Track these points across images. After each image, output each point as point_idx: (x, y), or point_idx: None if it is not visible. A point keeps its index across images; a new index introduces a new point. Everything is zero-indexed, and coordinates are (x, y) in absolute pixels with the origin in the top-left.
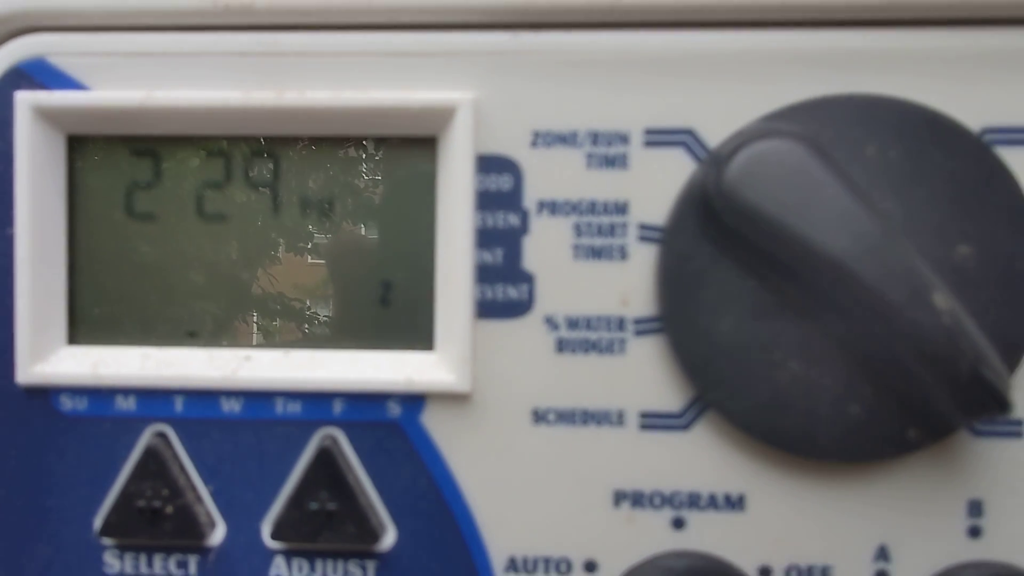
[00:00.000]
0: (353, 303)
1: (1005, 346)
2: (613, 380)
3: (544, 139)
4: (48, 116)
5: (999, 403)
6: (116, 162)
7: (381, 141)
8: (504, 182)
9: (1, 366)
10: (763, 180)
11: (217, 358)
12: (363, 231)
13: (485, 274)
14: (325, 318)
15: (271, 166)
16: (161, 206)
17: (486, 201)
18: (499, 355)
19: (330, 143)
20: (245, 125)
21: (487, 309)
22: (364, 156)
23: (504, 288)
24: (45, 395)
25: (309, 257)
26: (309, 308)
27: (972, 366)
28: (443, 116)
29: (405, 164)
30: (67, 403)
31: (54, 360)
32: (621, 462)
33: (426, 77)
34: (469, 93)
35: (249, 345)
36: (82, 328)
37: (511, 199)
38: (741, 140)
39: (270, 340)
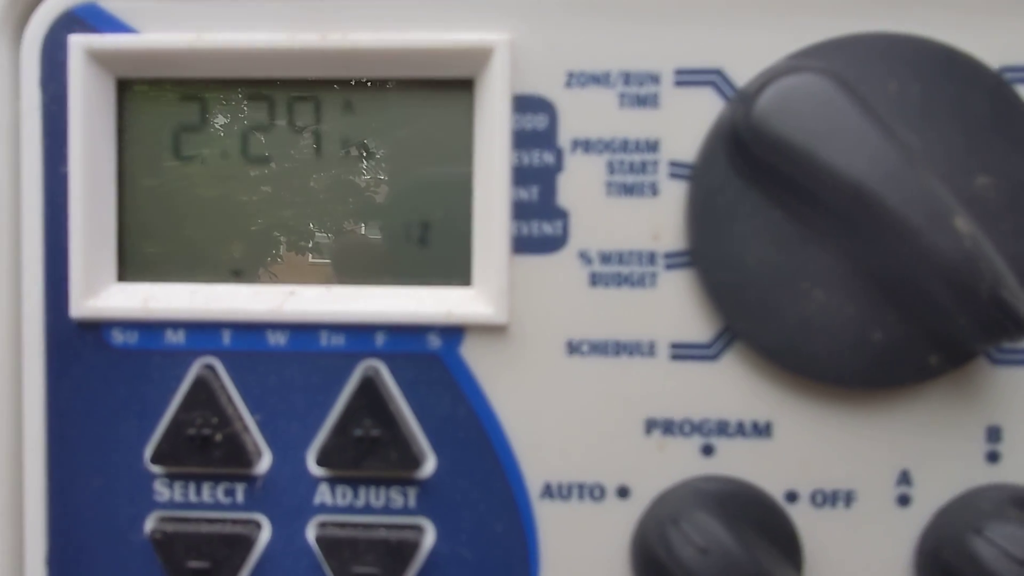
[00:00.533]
0: (393, 241)
1: None
2: (644, 312)
3: (578, 79)
4: (99, 59)
5: (1018, 325)
6: (164, 105)
7: (420, 83)
8: (539, 121)
9: (55, 301)
10: (791, 111)
11: (262, 293)
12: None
13: (521, 211)
14: (365, 257)
15: (313, 109)
16: (207, 149)
17: (522, 140)
18: (535, 289)
19: (371, 85)
20: (289, 67)
21: (523, 245)
22: (405, 97)
23: (539, 224)
24: (97, 329)
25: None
26: (349, 247)
27: (992, 288)
28: (481, 57)
29: (443, 105)
30: (118, 337)
31: (105, 295)
32: (652, 391)
33: (464, 19)
34: (505, 34)
35: (295, 282)
36: (131, 266)
37: (546, 138)
38: (768, 77)
39: (313, 278)
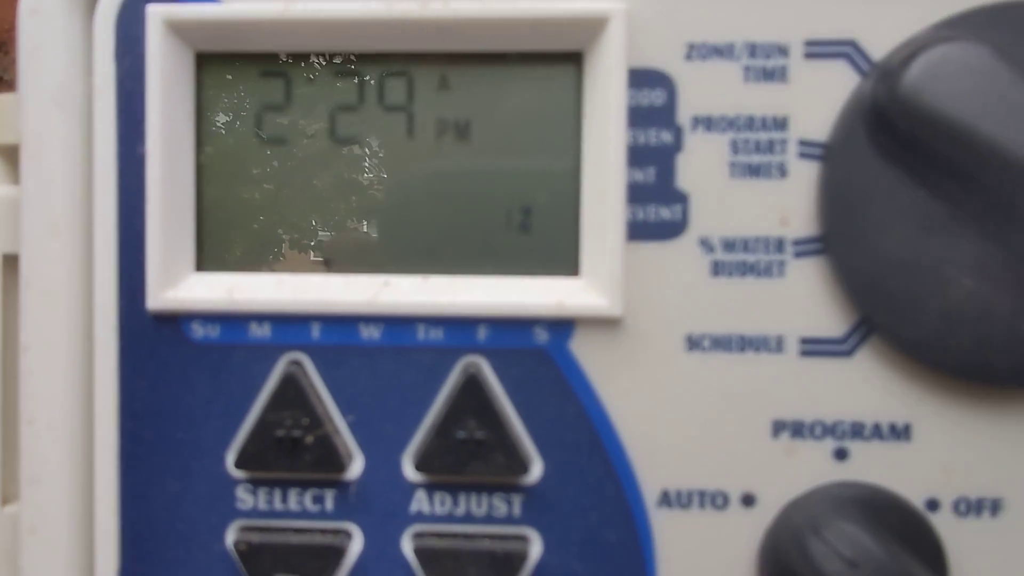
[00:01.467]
0: (492, 229)
1: None
2: (771, 304)
3: (699, 51)
4: (178, 31)
5: None
6: (245, 81)
7: (524, 56)
8: (657, 97)
9: (129, 292)
10: (946, 83)
11: (354, 284)
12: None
13: (636, 194)
14: (464, 245)
15: (406, 86)
16: (292, 129)
17: (638, 117)
18: (651, 279)
19: (469, 60)
20: (385, 39)
21: (638, 231)
22: (505, 73)
23: (656, 209)
24: (175, 322)
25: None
26: (445, 235)
27: None
28: (593, 28)
29: (549, 80)
30: (198, 330)
31: (184, 286)
32: (780, 390)
33: None
34: (621, 3)
35: (388, 271)
36: (210, 255)
37: (664, 115)
38: (915, 47)
39: (409, 267)
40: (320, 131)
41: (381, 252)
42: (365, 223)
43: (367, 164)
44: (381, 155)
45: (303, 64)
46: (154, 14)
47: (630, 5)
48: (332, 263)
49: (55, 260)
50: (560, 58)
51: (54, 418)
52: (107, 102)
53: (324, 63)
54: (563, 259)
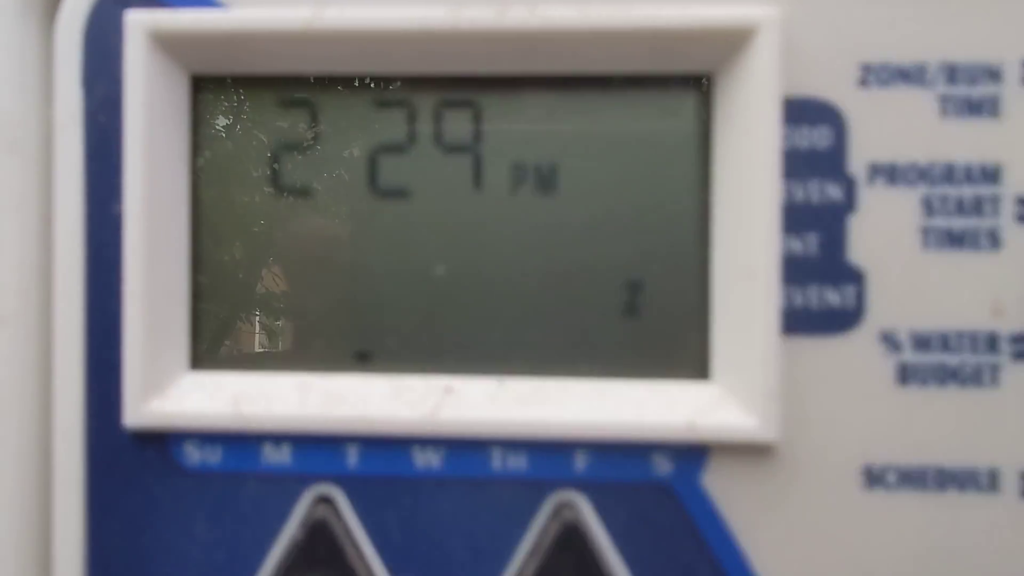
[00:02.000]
0: (589, 313)
1: None
2: (982, 425)
3: (878, 76)
4: (169, 46)
5: None
6: (259, 114)
7: (629, 81)
8: (820, 137)
9: (100, 403)
10: None
11: (406, 390)
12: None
13: (793, 271)
14: (552, 336)
15: (472, 120)
16: (319, 175)
17: (793, 165)
18: (816, 388)
19: (556, 86)
20: (445, 58)
21: (796, 321)
22: (604, 103)
23: (820, 291)
24: (162, 443)
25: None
26: (526, 321)
27: None
28: (731, 43)
29: (664, 113)
30: (193, 454)
31: (176, 394)
32: (996, 543)
33: None
34: (772, 9)
35: (449, 371)
36: (209, 348)
37: (830, 162)
38: None
39: (477, 365)
40: (357, 179)
41: (439, 344)
42: (417, 304)
43: (419, 223)
44: (438, 211)
45: (335, 90)
46: (136, 24)
47: (784, 12)
48: (372, 358)
49: (1, 359)
50: (681, 82)
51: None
52: (72, 143)
53: (362, 89)
54: (687, 356)
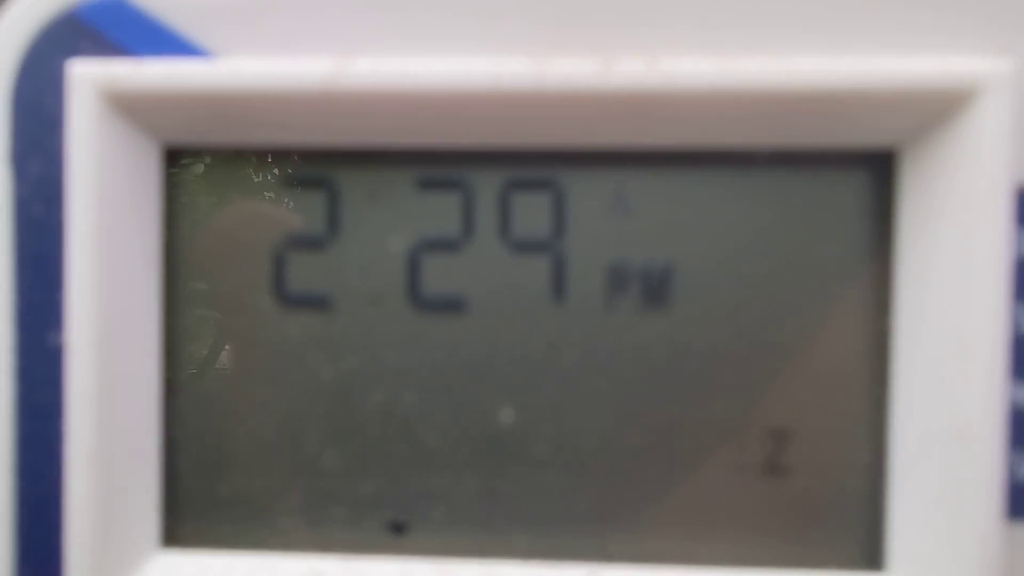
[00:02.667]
0: (714, 472)
1: None
2: None
3: None
4: (132, 110)
5: None
6: (255, 200)
7: (774, 157)
8: None
9: None
10: None
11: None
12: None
13: (1020, 428)
14: (661, 502)
15: (552, 206)
16: (340, 281)
17: (1022, 282)
18: None
19: (672, 162)
20: (523, 127)
21: (1022, 499)
22: (740, 188)
23: None
24: None
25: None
26: (628, 485)
27: None
28: (935, 110)
29: (827, 203)
30: None
31: None
32: None
33: (902, 30)
34: (1002, 63)
35: (519, 556)
36: (188, 517)
37: None
38: None
39: (559, 546)
40: (392, 286)
41: (504, 517)
42: (474, 460)
43: (477, 348)
44: (503, 332)
45: (363, 165)
46: (85, 81)
47: (1017, 67)
48: (411, 532)
49: None
50: (852, 161)
51: None
52: None
53: (401, 163)
54: (852, 535)
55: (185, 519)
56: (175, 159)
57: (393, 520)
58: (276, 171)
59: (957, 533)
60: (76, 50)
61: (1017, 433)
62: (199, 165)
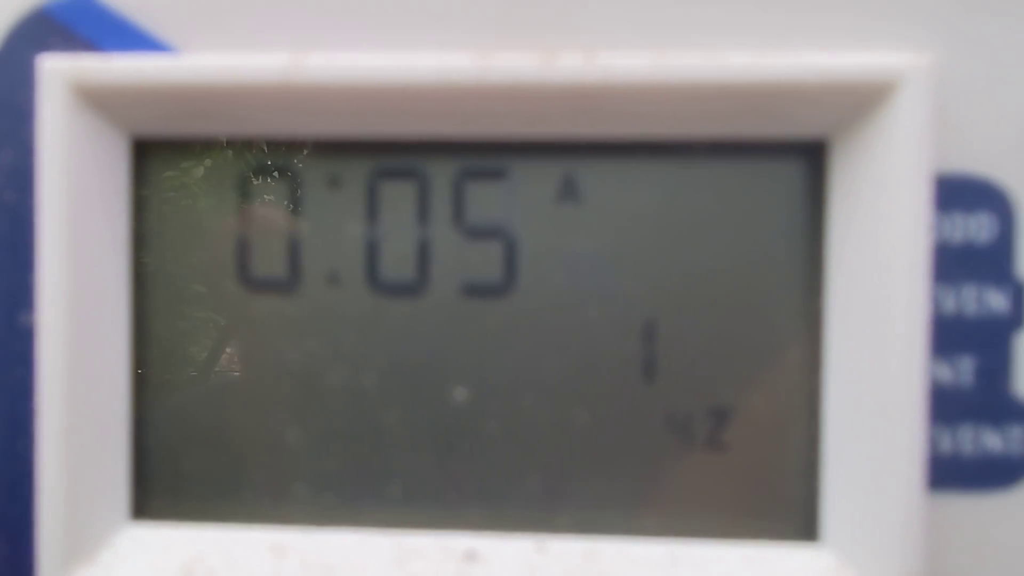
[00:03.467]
0: (657, 448)
1: None
2: None
3: None
4: (101, 103)
5: None
6: (220, 189)
7: (717, 149)
8: (980, 228)
9: (11, 573)
10: None
11: (414, 556)
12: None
13: (941, 406)
14: (607, 477)
15: (504, 194)
16: (301, 266)
17: (943, 265)
18: (970, 561)
19: (616, 153)
20: (471, 118)
21: (944, 473)
22: (681, 178)
23: (977, 433)
24: None
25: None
26: (576, 460)
27: None
28: (860, 102)
29: (761, 191)
30: None
31: (109, 558)
32: None
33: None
34: (920, 58)
35: (472, 528)
36: (157, 492)
37: (993, 261)
38: None
39: (509, 520)
40: (351, 270)
41: (459, 491)
42: (429, 437)
43: (433, 329)
44: (457, 313)
45: (323, 156)
46: (56, 75)
47: (936, 61)
48: (370, 509)
49: None
50: (784, 151)
51: None
52: None
53: (359, 154)
54: (788, 508)
55: (153, 494)
56: (143, 150)
57: (353, 498)
58: (240, 161)
59: (883, 505)
60: (47, 45)
61: (938, 409)
62: (166, 155)
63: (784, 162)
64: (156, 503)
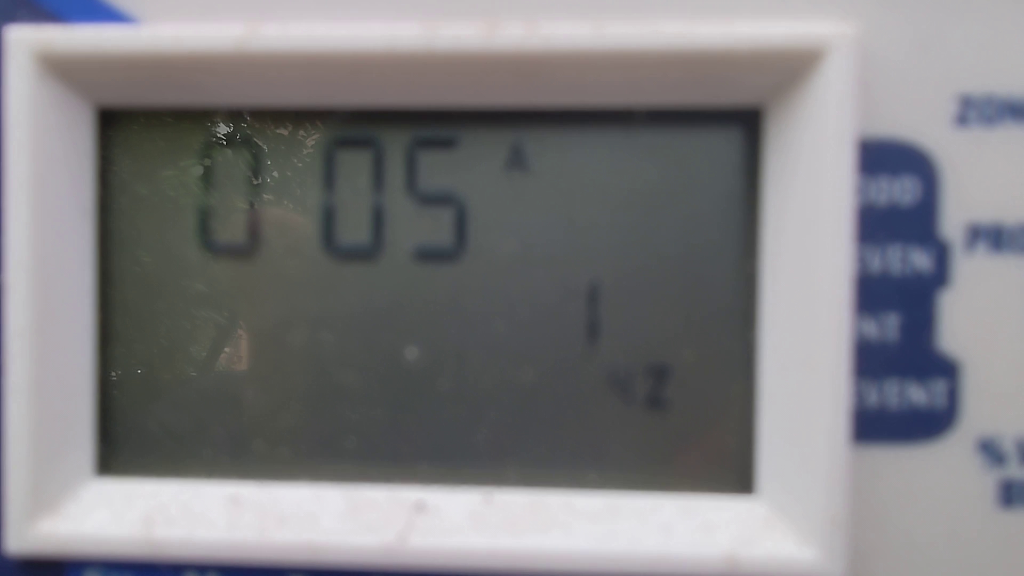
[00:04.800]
0: (600, 404)
1: None
2: None
3: (981, 112)
4: (66, 72)
5: None
6: (181, 156)
7: (653, 116)
8: (904, 190)
9: None
10: None
11: (366, 507)
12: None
13: (866, 361)
14: (551, 432)
15: (452, 162)
16: (261, 232)
17: (869, 225)
18: (894, 511)
19: (560, 121)
20: (416, 88)
21: (869, 425)
22: (624, 145)
23: (902, 387)
24: (58, 573)
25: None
26: (521, 416)
27: None
28: (789, 70)
29: (700, 158)
30: None
31: (74, 510)
32: None
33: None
34: (844, 27)
35: (421, 481)
36: (121, 447)
37: (918, 222)
38: None
39: (457, 473)
40: (308, 236)
41: (409, 445)
42: (381, 394)
43: (386, 292)
44: (409, 277)
45: (280, 125)
46: (21, 44)
47: (860, 30)
48: (323, 462)
49: None
50: (721, 119)
51: None
52: None
53: (316, 123)
54: (726, 463)
55: (118, 450)
56: (108, 119)
57: (306, 452)
58: (202, 130)
59: (811, 457)
60: (13, 17)
61: (865, 364)
62: (130, 124)
63: (722, 130)
64: (120, 459)
